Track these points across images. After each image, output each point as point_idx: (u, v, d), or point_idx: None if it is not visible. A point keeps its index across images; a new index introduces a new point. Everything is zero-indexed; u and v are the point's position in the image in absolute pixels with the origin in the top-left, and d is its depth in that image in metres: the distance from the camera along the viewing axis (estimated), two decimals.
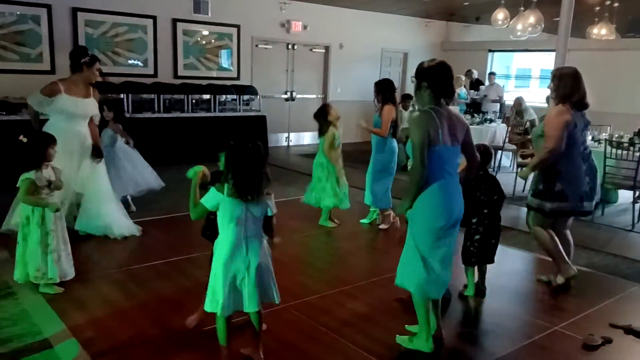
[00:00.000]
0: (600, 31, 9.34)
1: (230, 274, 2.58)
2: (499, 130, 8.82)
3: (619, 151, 5.97)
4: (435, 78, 2.85)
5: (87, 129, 4.64)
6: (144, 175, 5.51)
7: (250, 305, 2.62)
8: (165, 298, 3.63)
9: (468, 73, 11.41)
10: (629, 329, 3.37)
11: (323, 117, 5.15)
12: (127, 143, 5.44)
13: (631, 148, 6.01)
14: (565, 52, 5.57)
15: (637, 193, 6.16)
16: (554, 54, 5.72)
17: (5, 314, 3.27)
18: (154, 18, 8.63)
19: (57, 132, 3.91)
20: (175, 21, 8.88)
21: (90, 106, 4.62)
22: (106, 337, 3.06)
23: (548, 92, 5.98)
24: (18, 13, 7.44)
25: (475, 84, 11.41)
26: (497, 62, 12.54)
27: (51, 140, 3.59)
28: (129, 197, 5.49)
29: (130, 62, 8.54)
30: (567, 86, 3.80)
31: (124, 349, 2.94)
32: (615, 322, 3.45)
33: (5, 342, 2.95)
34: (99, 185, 4.68)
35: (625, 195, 6.76)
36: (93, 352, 2.88)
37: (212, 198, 2.59)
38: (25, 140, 3.47)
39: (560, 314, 3.61)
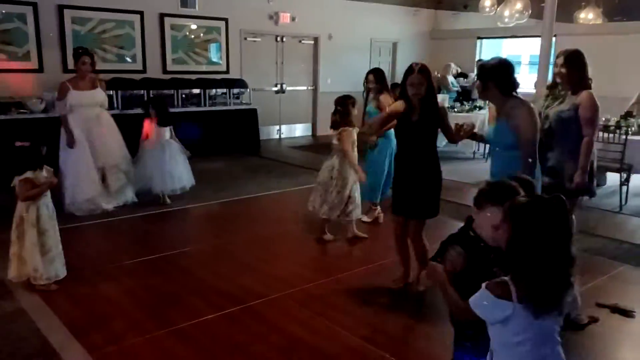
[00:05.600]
0: (587, 15, 9.38)
1: None
2: (487, 117, 8.87)
3: (606, 134, 6.04)
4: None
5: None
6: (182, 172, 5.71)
7: None
8: (160, 291, 3.67)
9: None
10: (615, 308, 3.46)
11: (346, 111, 4.40)
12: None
13: (617, 131, 6.08)
14: (550, 37, 5.61)
15: (624, 175, 6.24)
16: None
17: (2, 312, 3.30)
18: (141, 13, 8.58)
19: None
20: (162, 16, 8.84)
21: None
22: (102, 330, 3.11)
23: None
24: (3, 12, 7.37)
25: (458, 77, 11.44)
26: (487, 50, 12.55)
27: (44, 142, 3.71)
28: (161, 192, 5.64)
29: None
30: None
31: (120, 342, 2.98)
32: (601, 301, 3.53)
33: (4, 339, 3.00)
34: None
35: (613, 178, 6.83)
36: (89, 346, 2.92)
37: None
38: (27, 144, 3.53)
39: None
